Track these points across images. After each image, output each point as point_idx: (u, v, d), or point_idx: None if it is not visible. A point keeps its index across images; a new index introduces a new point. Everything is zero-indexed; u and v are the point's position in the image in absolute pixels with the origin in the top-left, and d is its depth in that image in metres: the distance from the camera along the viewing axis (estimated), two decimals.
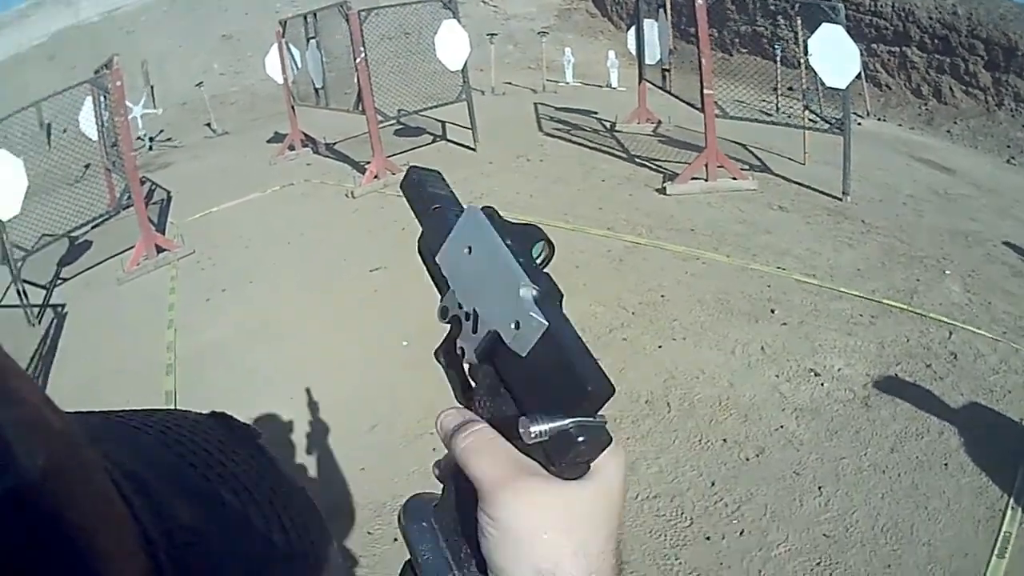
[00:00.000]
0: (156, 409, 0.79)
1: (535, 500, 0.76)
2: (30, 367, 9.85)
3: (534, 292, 0.80)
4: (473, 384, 0.88)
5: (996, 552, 5.33)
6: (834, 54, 11.81)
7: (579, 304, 8.71)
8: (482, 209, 0.90)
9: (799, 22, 14.42)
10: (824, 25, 11.94)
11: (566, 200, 12.26)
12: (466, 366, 0.89)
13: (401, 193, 1.05)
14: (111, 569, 0.46)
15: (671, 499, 5.93)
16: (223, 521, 0.66)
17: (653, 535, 5.72)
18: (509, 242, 0.85)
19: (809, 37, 12.28)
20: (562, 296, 0.85)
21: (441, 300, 0.91)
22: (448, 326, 0.90)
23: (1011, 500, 5.74)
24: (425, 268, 0.96)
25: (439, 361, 0.92)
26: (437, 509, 0.85)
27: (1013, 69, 17.42)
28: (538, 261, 0.88)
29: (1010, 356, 7.69)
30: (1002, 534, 5.45)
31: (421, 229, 0.97)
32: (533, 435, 0.75)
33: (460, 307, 0.88)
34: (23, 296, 11.51)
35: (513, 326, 0.80)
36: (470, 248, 0.87)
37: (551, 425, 0.75)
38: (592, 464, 0.79)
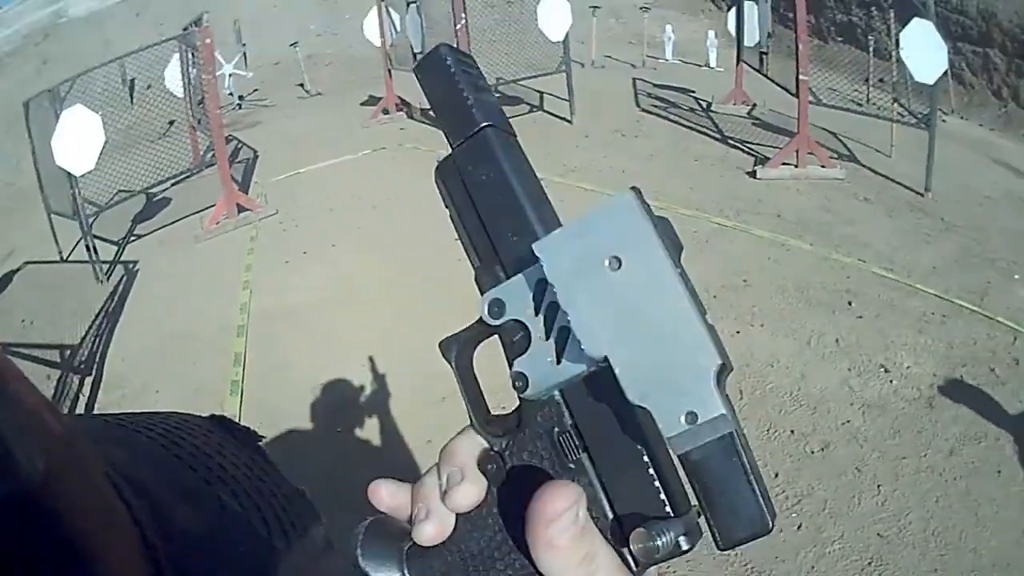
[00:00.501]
0: (156, 412, 0.77)
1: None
2: (95, 324, 9.70)
3: (718, 371, 0.54)
4: (510, 421, 0.64)
5: None
6: (924, 49, 11.48)
7: None
8: (636, 195, 0.56)
9: (892, 15, 14.04)
10: (915, 19, 11.61)
11: (658, 177, 11.94)
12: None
13: (416, 76, 0.74)
14: (111, 572, 0.45)
15: None
16: (223, 524, 0.65)
17: None
18: (680, 269, 0.55)
19: (901, 31, 11.96)
20: None
21: (491, 288, 0.64)
22: (490, 326, 0.64)
23: None
24: (449, 212, 0.73)
25: (448, 359, 0.67)
26: (416, 558, 0.63)
27: None
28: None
29: None
30: None
31: (451, 150, 0.73)
32: (650, 551, 0.55)
33: (546, 322, 0.59)
34: (93, 251, 11.21)
35: (684, 418, 0.52)
36: (619, 262, 0.55)
37: (669, 537, 0.55)
38: None
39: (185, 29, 13.59)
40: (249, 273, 10.14)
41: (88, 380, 8.60)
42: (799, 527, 5.54)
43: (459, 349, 0.67)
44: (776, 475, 5.92)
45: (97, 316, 9.82)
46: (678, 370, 0.53)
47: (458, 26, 13.80)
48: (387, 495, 0.64)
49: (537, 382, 0.60)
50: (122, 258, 11.74)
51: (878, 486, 5.84)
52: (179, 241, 11.83)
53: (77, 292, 10.54)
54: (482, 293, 0.64)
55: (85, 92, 12.07)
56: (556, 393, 0.60)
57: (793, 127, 12.33)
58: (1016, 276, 9.13)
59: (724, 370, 0.54)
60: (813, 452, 6.19)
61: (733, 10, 16.69)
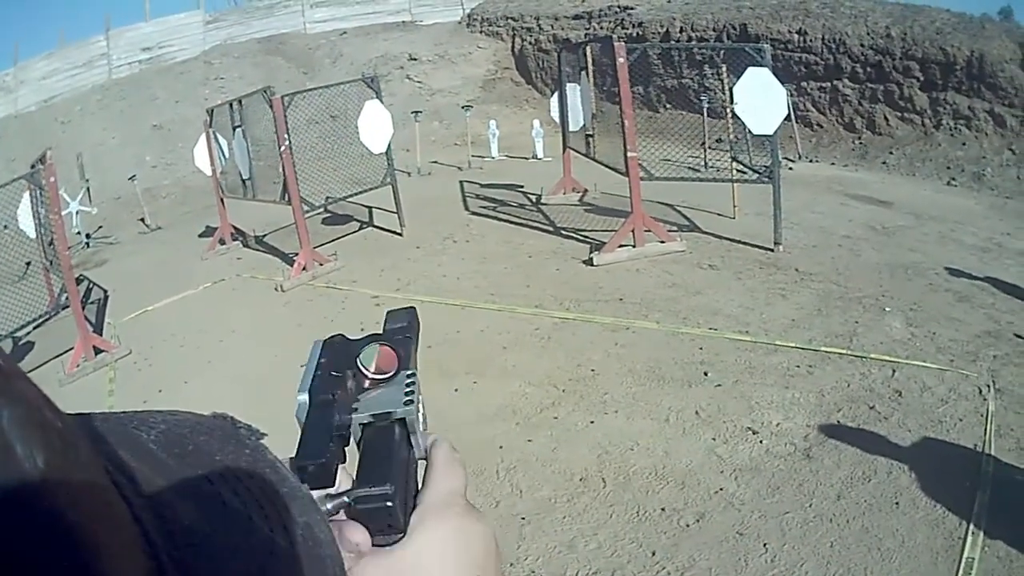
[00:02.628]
0: (158, 411, 0.80)
1: (361, 572, 0.87)
2: None
3: (304, 398, 0.98)
4: None
5: None
6: (760, 99, 12.06)
7: (509, 386, 8.89)
8: (331, 338, 1.06)
9: (724, 69, 14.80)
10: (749, 69, 12.26)
11: (493, 280, 12.50)
12: None
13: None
14: (111, 570, 0.47)
15: (611, 573, 5.98)
16: (225, 522, 0.67)
17: None
18: (323, 359, 1.02)
19: (735, 84, 12.52)
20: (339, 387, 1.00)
21: None
22: None
23: (971, 526, 5.87)
24: None
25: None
26: None
27: (951, 85, 17.94)
28: (381, 376, 1.02)
29: (959, 383, 7.92)
30: (964, 560, 5.58)
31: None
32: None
33: None
34: None
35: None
36: None
37: (331, 505, 0.90)
38: (412, 521, 0.92)
39: (32, 167, 14.05)
40: None
41: None
42: None
43: None
44: (653, 553, 6.11)
45: None
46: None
47: (282, 148, 14.27)
48: None
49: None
50: None
51: (764, 544, 6.06)
52: (45, 385, 11.41)
53: None
54: None
55: None
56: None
57: (627, 207, 12.84)
58: (887, 309, 9.76)
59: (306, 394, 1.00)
60: (688, 525, 6.38)
61: (555, 96, 17.50)
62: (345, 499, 0.90)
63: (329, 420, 0.96)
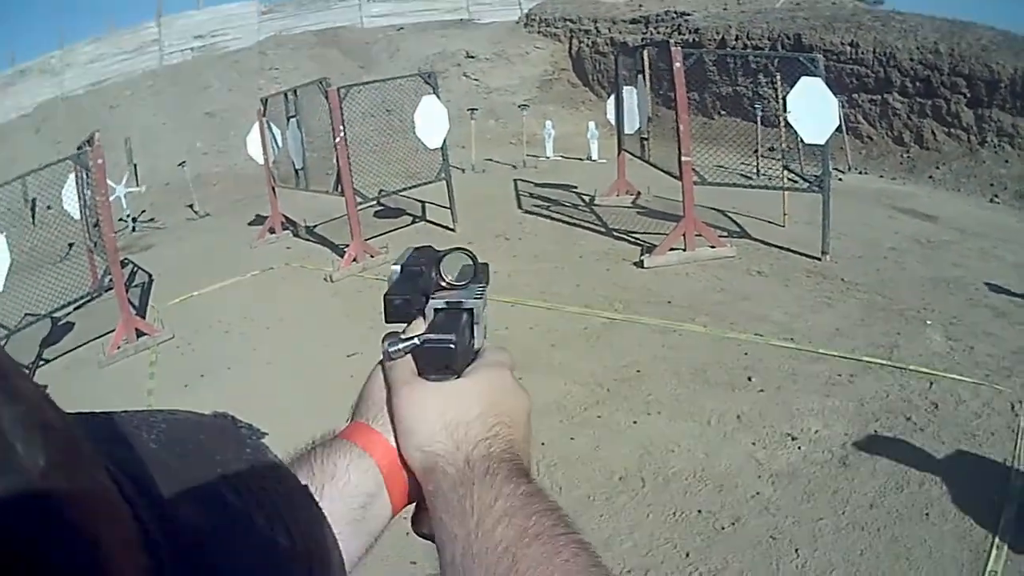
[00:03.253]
0: (158, 410, 0.81)
1: (415, 393, 1.06)
2: None
3: (396, 267, 1.21)
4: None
5: None
6: (813, 109, 12.06)
7: (555, 383, 8.94)
8: (422, 246, 1.29)
9: (778, 78, 14.78)
10: (803, 79, 12.24)
11: (544, 278, 12.58)
12: None
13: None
14: (113, 569, 0.47)
15: (645, 573, 6.02)
16: (226, 521, 0.69)
17: None
18: (414, 256, 1.24)
19: (789, 93, 12.52)
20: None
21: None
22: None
23: (995, 539, 5.86)
24: None
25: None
26: None
27: (996, 103, 17.72)
28: (457, 282, 1.21)
29: (993, 398, 7.88)
30: (988, 573, 5.58)
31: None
32: (391, 352, 1.10)
33: None
34: None
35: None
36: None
37: (403, 345, 1.10)
38: (466, 375, 1.10)
39: (79, 148, 14.06)
40: (151, 397, 10.31)
41: None
42: None
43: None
44: (687, 555, 6.16)
45: None
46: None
47: (337, 140, 14.41)
48: None
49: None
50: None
51: (796, 550, 6.09)
52: (84, 366, 12.14)
53: None
54: None
55: None
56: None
57: (680, 211, 12.88)
58: (928, 322, 9.74)
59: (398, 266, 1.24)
60: (723, 528, 6.43)
61: (612, 99, 17.55)
62: (416, 340, 1.10)
63: (415, 279, 1.18)
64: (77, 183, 13.96)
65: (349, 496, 0.98)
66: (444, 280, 1.21)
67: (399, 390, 1.08)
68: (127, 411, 0.78)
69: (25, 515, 0.41)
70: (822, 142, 12.36)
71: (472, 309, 1.19)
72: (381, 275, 13.61)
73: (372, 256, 14.66)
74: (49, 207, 16.26)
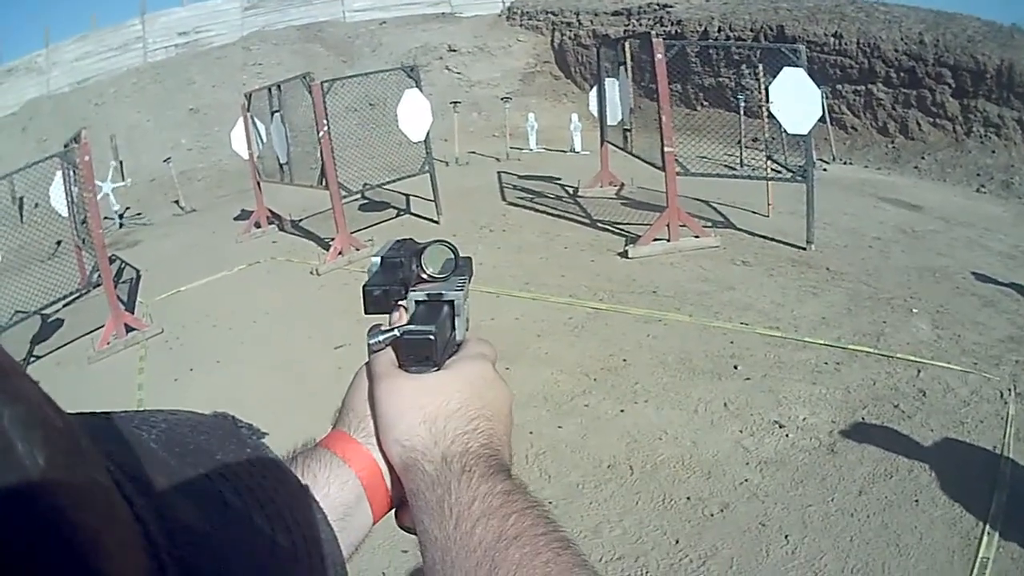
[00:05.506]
0: (159, 410, 0.81)
1: (394, 386, 1.08)
2: None
3: (376, 259, 1.24)
4: None
5: None
6: (796, 100, 12.06)
7: (541, 373, 8.92)
8: (403, 239, 1.28)
9: (761, 69, 14.73)
10: (785, 69, 12.25)
11: (528, 269, 12.52)
12: None
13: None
14: (112, 569, 0.46)
15: (635, 559, 5.99)
16: (226, 522, 0.68)
17: None
18: (394, 248, 1.25)
19: (771, 83, 12.52)
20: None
21: None
22: None
23: (987, 526, 5.85)
24: None
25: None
26: None
27: (982, 93, 17.76)
28: (439, 273, 1.24)
29: (981, 386, 7.89)
30: (979, 560, 5.56)
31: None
32: (371, 344, 1.14)
33: None
34: None
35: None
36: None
37: (383, 337, 1.13)
38: (445, 363, 1.14)
39: (66, 146, 13.98)
40: (142, 392, 10.28)
41: None
42: None
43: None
44: (677, 541, 6.13)
45: None
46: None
47: (321, 134, 14.37)
48: None
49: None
50: None
51: (786, 536, 6.07)
52: (74, 362, 12.08)
53: None
54: None
55: None
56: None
57: (663, 202, 12.83)
58: (914, 310, 9.75)
59: (378, 258, 1.27)
60: (712, 515, 6.40)
61: (594, 91, 17.55)
62: (396, 332, 1.12)
63: (395, 271, 1.20)
64: (64, 181, 13.87)
65: (329, 508, 0.95)
66: (425, 272, 1.24)
67: (379, 382, 1.10)
68: (127, 411, 0.77)
69: (24, 515, 0.40)
70: (805, 132, 12.38)
71: (453, 301, 1.22)
72: (366, 268, 13.48)
73: (358, 249, 14.63)
74: (37, 205, 16.14)
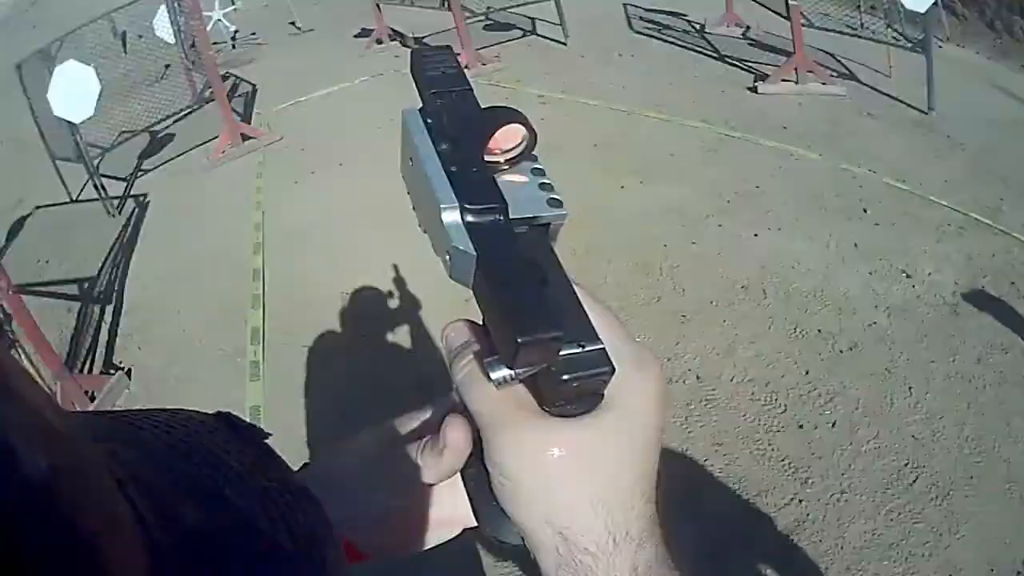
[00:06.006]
0: (160, 409, 0.70)
1: (538, 443, 0.66)
2: (110, 256, 9.57)
3: (460, 215, 0.65)
4: None
5: None
6: None
7: (675, 189, 8.33)
8: (411, 111, 0.76)
9: None
10: None
11: (659, 92, 11.60)
12: None
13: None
14: (115, 571, 0.42)
15: (766, 384, 5.61)
16: (228, 523, 0.61)
17: (747, 419, 5.41)
18: (445, 146, 0.69)
19: None
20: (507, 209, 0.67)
21: None
22: None
23: None
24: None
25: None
26: None
27: None
28: (510, 155, 0.72)
29: None
30: None
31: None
32: (496, 380, 0.65)
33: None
34: (101, 190, 10.99)
35: (447, 257, 0.65)
36: (411, 160, 0.73)
37: (521, 370, 0.63)
38: (606, 394, 0.66)
39: None
40: (260, 195, 9.95)
41: (109, 308, 8.49)
42: (833, 424, 5.36)
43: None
44: (807, 372, 5.75)
45: (112, 248, 9.63)
46: (437, 225, 0.65)
47: None
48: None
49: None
50: (132, 193, 11.49)
51: (909, 388, 5.63)
52: (187, 172, 11.60)
53: (90, 229, 10.28)
54: None
55: (77, 48, 11.83)
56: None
57: (789, 48, 12.05)
58: None
59: (457, 210, 0.65)
60: (842, 351, 5.97)
61: None
62: (545, 360, 0.63)
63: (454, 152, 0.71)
64: (169, 11, 13.28)
65: None
66: (493, 154, 0.71)
67: (503, 433, 0.68)
68: (130, 410, 0.69)
69: (26, 518, 0.36)
70: (922, 10, 11.45)
71: (549, 225, 0.71)
72: (494, 81, 12.86)
73: (484, 64, 13.62)
74: (140, 36, 15.16)
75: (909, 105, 11.21)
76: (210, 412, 0.74)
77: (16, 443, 0.36)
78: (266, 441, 0.75)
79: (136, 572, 0.45)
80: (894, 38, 12.80)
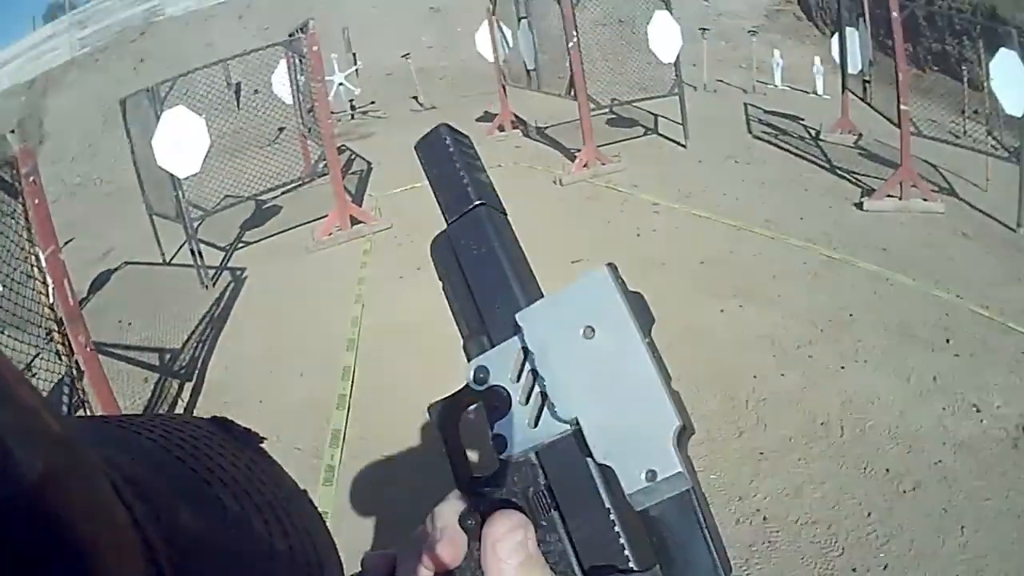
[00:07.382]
0: (157, 414, 0.73)
1: None
2: (197, 330, 9.13)
3: (678, 432, 0.56)
4: (490, 483, 0.66)
5: None
6: (1011, 79, 10.86)
7: (771, 315, 8.21)
8: (611, 271, 0.62)
9: (981, 44, 13.55)
10: (1001, 50, 11.06)
11: (770, 206, 11.35)
12: (472, 452, 0.70)
13: (416, 153, 0.81)
14: (111, 574, 0.41)
15: (828, 526, 5.52)
16: (225, 527, 0.60)
17: (804, 562, 5.33)
18: (648, 340, 0.59)
19: (991, 60, 11.39)
20: None
21: (477, 356, 0.68)
22: (475, 391, 0.68)
23: None
24: (442, 284, 0.77)
25: (434, 422, 0.71)
26: None
27: None
28: None
29: None
30: None
31: (446, 225, 0.78)
32: None
33: (524, 387, 0.63)
34: (198, 255, 10.40)
35: (644, 475, 0.55)
36: (592, 331, 0.59)
37: None
38: None
39: (291, 35, 12.89)
40: (362, 286, 9.64)
41: (188, 386, 8.10)
42: (885, 567, 5.26)
43: (444, 413, 0.70)
44: (869, 514, 5.63)
45: (200, 322, 9.29)
46: (640, 431, 0.56)
47: (570, 44, 13.10)
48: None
49: (515, 443, 0.63)
50: (229, 264, 11.14)
51: (961, 528, 5.47)
52: (289, 250, 11.20)
53: (179, 296, 10.03)
54: (469, 360, 0.68)
55: (186, 93, 11.44)
56: (532, 455, 0.63)
57: (896, 158, 11.75)
58: None
59: (684, 432, 0.56)
60: (905, 492, 5.85)
61: (836, 37, 15.99)
62: None
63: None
64: (289, 69, 12.72)
65: None
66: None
67: None
68: (126, 415, 0.69)
69: (22, 522, 0.36)
70: (1020, 114, 11.01)
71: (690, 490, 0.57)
72: (611, 184, 12.54)
73: (603, 164, 13.23)
74: (256, 91, 14.77)
75: (999, 222, 10.79)
76: (205, 417, 0.75)
77: (12, 444, 0.36)
78: (262, 446, 0.76)
79: (132, 575, 0.47)
80: (993, 146, 12.39)
